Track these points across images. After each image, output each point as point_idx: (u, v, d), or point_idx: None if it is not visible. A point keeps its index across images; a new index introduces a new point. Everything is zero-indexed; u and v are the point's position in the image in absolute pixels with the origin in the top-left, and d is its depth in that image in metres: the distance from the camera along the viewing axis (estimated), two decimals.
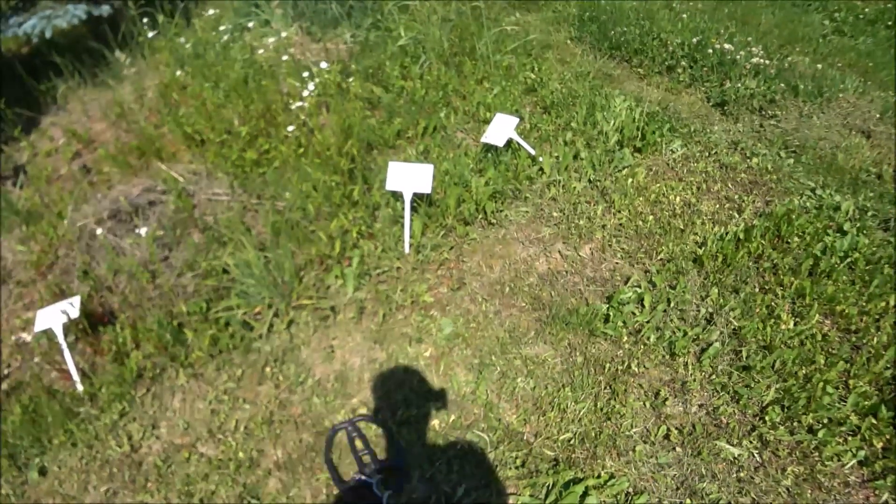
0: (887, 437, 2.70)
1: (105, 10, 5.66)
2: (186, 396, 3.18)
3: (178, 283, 3.55)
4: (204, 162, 4.43)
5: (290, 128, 4.34)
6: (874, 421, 2.74)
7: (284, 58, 5.11)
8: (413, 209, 3.72)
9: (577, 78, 5.33)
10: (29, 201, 4.32)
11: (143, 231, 3.56)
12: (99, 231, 3.66)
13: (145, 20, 5.66)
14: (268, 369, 3.23)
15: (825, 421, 2.77)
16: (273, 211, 3.87)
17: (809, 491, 2.58)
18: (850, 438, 2.73)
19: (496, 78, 5.17)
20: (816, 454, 2.69)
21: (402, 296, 3.47)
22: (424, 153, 4.45)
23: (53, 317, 3.24)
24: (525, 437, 2.84)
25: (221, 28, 5.67)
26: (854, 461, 2.65)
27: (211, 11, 6.19)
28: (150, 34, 5.58)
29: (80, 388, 3.18)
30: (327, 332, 3.37)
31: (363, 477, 2.67)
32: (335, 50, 5.55)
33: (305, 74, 4.77)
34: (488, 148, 4.28)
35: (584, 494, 2.58)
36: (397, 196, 3.85)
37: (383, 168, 4.11)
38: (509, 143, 4.21)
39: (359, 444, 2.81)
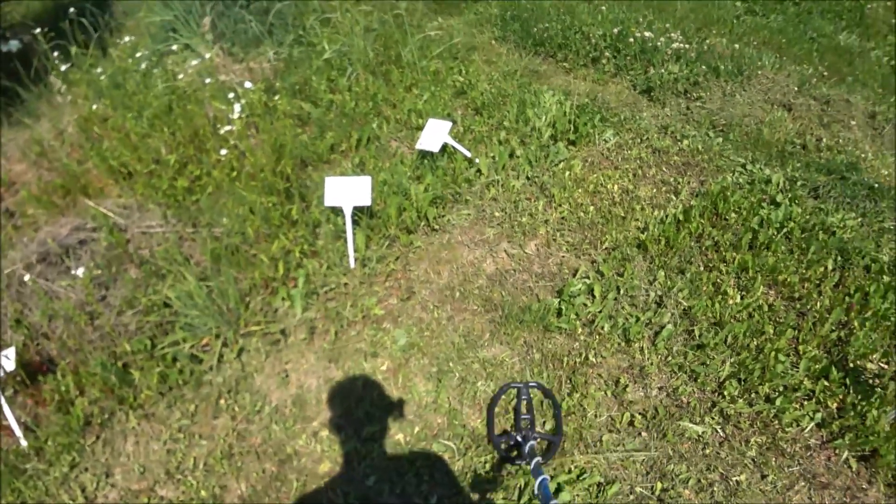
0: (840, 397, 2.78)
1: (14, 45, 5.46)
2: (139, 439, 3.05)
3: (119, 322, 3.41)
4: (133, 194, 4.28)
5: (223, 152, 4.23)
6: (826, 383, 2.83)
7: (207, 80, 4.98)
8: (354, 222, 3.66)
9: (505, 77, 5.36)
10: None
11: (79, 272, 3.41)
12: (27, 277, 3.49)
13: (56, 53, 5.46)
14: (222, 401, 3.13)
15: (781, 389, 2.85)
16: (211, 238, 3.76)
17: (774, 458, 2.65)
18: (806, 403, 2.80)
19: (425, 84, 5.15)
20: (776, 422, 2.75)
21: (353, 311, 3.41)
22: (360, 165, 4.39)
23: None
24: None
25: (139, 55, 5.50)
26: (812, 424, 2.73)
27: (127, 39, 5.99)
28: (64, 67, 5.37)
29: (24, 443, 3.02)
30: (280, 356, 3.29)
31: (519, 438, 2.63)
32: (259, 69, 5.44)
33: (231, 96, 4.66)
34: (424, 154, 4.25)
35: (557, 491, 2.57)
36: (337, 211, 3.79)
37: (320, 184, 4.05)
38: (444, 147, 4.19)
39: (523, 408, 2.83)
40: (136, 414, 3.12)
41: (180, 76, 5.15)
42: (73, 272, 3.48)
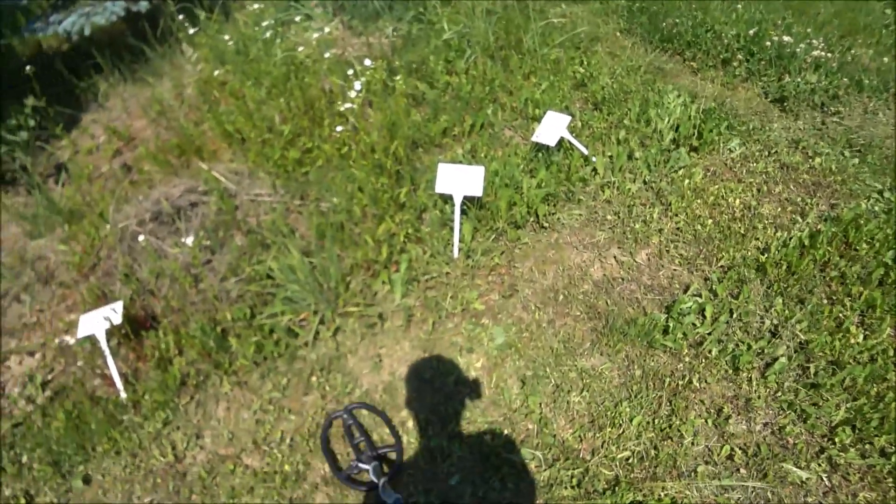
0: None
1: (143, 5, 5.61)
2: (231, 405, 3.10)
3: (222, 287, 3.48)
4: (245, 161, 4.35)
5: (339, 129, 4.22)
6: None
7: (327, 55, 4.99)
8: (462, 212, 3.59)
9: (628, 72, 5.14)
10: (70, 200, 4.29)
11: (188, 241, 3.49)
12: (141, 238, 3.59)
13: (182, 16, 5.60)
14: (314, 378, 3.15)
15: None
16: (317, 213, 3.78)
17: None
18: None
19: (544, 73, 5.00)
20: (890, 480, 2.54)
21: (452, 303, 3.36)
22: (472, 152, 4.31)
23: (96, 323, 3.19)
24: (581, 455, 2.73)
25: (264, 24, 5.57)
26: None
27: (255, 6, 6.08)
28: (192, 31, 5.51)
29: (123, 395, 3.14)
30: (374, 340, 3.28)
31: (360, 464, 2.65)
32: (377, 44, 5.42)
33: (350, 72, 4.65)
34: (539, 147, 4.13)
35: None
36: (444, 197, 3.73)
37: (429, 167, 4.00)
38: (561, 142, 4.05)
39: (356, 432, 2.88)
40: (230, 380, 3.18)
41: (300, 48, 5.18)
42: (185, 240, 3.56)
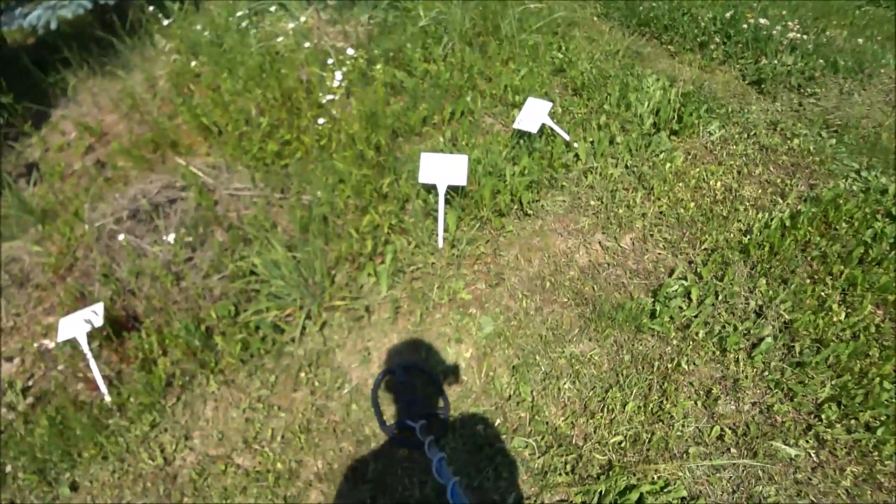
0: None
1: None
2: (219, 404, 3.05)
3: (205, 285, 3.41)
4: (222, 154, 4.27)
5: (321, 121, 4.16)
6: None
7: (307, 45, 4.91)
8: (446, 201, 3.56)
9: (607, 57, 5.14)
10: (43, 199, 4.17)
11: (170, 238, 3.42)
12: (121, 237, 3.51)
13: (153, 7, 5.48)
14: (302, 374, 3.11)
15: (883, 418, 2.67)
16: (299, 206, 3.72)
17: (870, 492, 2.49)
18: None
19: (523, 59, 4.98)
20: (875, 453, 2.59)
21: (439, 293, 3.34)
22: (452, 140, 4.28)
23: (77, 326, 3.11)
24: (574, 441, 2.72)
25: (239, 14, 5.46)
26: None
27: None
28: (165, 22, 5.39)
29: (107, 398, 3.06)
30: (362, 334, 3.25)
31: (408, 421, 2.63)
32: (353, 32, 5.35)
33: (330, 62, 4.57)
34: (520, 134, 4.11)
35: (640, 501, 2.47)
36: (427, 187, 3.70)
37: (410, 157, 3.97)
38: (542, 128, 4.04)
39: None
40: (217, 379, 3.13)
41: (279, 38, 5.09)
42: (163, 237, 3.49)
